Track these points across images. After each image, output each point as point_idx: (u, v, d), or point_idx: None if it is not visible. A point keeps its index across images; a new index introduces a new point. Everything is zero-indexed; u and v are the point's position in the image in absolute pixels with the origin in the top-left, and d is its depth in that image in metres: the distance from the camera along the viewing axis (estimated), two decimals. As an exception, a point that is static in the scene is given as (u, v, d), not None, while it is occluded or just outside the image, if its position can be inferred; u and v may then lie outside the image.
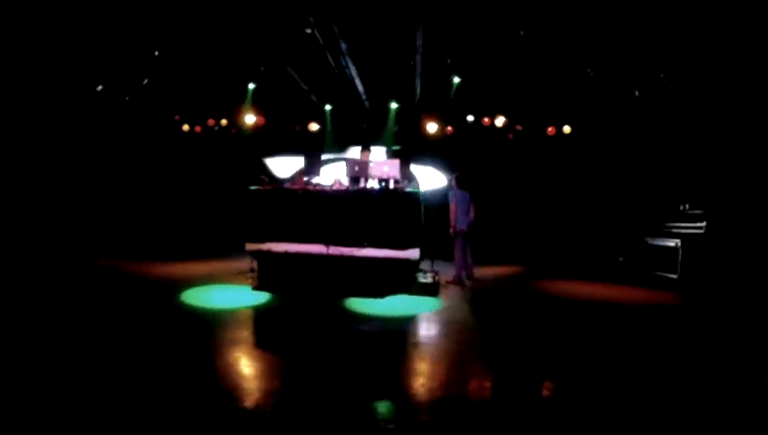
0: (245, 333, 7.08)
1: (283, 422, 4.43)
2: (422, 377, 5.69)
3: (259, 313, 8.02)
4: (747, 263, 10.34)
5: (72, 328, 7.00)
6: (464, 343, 6.72)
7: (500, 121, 14.91)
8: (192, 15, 11.90)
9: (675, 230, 11.78)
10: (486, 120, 15.01)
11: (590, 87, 13.76)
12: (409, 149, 12.87)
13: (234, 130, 16.29)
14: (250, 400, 4.89)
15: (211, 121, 16.22)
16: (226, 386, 5.13)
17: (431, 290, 9.34)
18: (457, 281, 10.51)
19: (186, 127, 16.44)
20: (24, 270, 10.72)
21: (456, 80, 13.69)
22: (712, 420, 4.50)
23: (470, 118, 15.00)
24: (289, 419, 4.50)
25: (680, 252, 11.17)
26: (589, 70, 12.74)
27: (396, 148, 11.11)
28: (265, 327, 7.49)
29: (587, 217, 14.83)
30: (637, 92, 13.39)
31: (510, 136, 15.30)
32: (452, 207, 10.61)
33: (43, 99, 13.32)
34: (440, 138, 15.05)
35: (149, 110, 15.88)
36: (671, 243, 11.51)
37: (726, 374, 5.48)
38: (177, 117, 16.42)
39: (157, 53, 13.15)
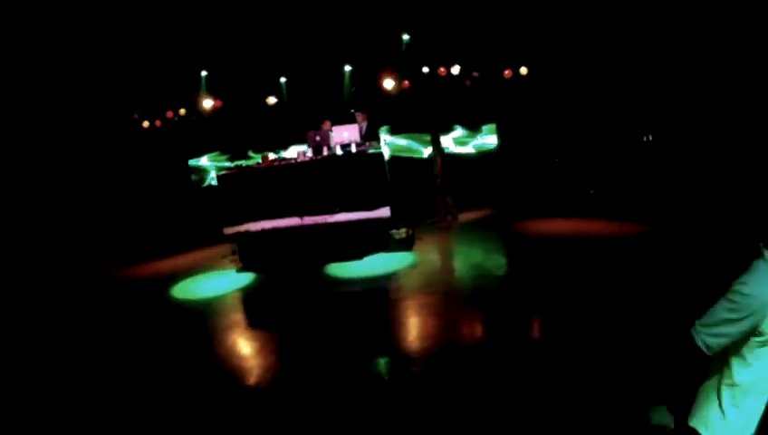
0: (237, 316, 7.37)
1: (284, 393, 4.75)
2: (408, 330, 6.03)
3: (247, 294, 8.30)
4: (705, 189, 10.63)
5: (74, 333, 7.24)
6: (443, 293, 7.04)
7: (456, 70, 15.03)
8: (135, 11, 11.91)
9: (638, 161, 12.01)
10: (442, 69, 15.12)
11: (542, 26, 13.90)
12: (369, 108, 12.98)
13: (193, 118, 16.28)
14: (252, 377, 5.21)
15: (170, 114, 16.19)
16: (228, 368, 5.43)
17: (406, 245, 9.63)
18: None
19: (146, 123, 16.40)
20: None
21: (406, 37, 13.80)
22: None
23: (425, 69, 15.10)
24: (290, 389, 4.81)
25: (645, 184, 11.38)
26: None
27: (353, 111, 11.23)
28: (255, 307, 7.77)
29: (551, 155, 15.08)
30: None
31: (467, 83, 15.42)
32: (438, 160, 11.38)
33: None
34: (398, 93, 15.16)
35: (107, 110, 15.80)
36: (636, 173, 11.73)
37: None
38: (135, 115, 16.36)
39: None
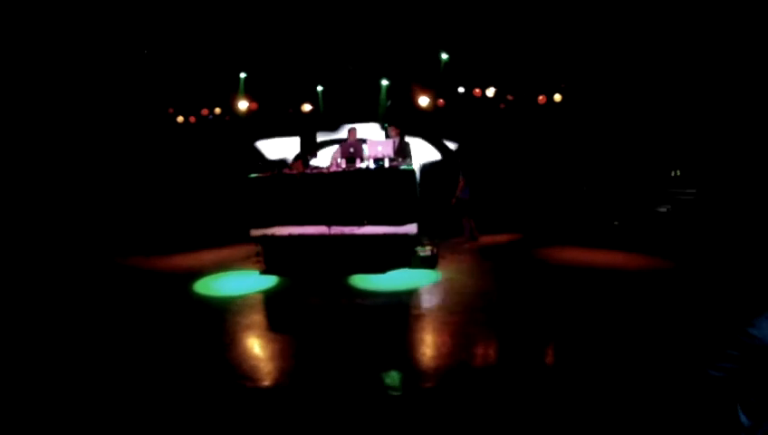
0: (258, 317, 7.44)
1: (300, 397, 4.82)
2: (425, 347, 6.07)
3: (268, 296, 8.38)
4: (735, 227, 10.63)
5: (96, 323, 7.36)
6: (464, 313, 7.07)
7: (491, 92, 15.10)
8: (181, 10, 12.15)
9: (667, 196, 12.01)
10: (477, 90, 15.20)
11: (579, 56, 13.96)
12: (403, 123, 13.08)
13: (227, 118, 16.49)
14: (269, 379, 5.28)
15: (205, 111, 16.41)
16: (245, 368, 5.51)
17: (430, 263, 9.68)
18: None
19: (180, 118, 16.63)
20: (40, 269, 11.05)
21: (445, 56, 13.93)
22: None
23: (461, 89, 15.19)
24: (305, 393, 4.88)
25: (672, 217, 11.41)
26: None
27: (386, 125, 11.35)
28: (276, 309, 7.84)
29: (579, 183, 15.08)
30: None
31: (501, 106, 15.48)
32: (461, 181, 11.82)
33: (38, 98, 13.55)
34: (432, 111, 15.25)
35: (144, 104, 16.07)
36: (663, 208, 11.75)
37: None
38: (170, 109, 16.61)
39: (147, 50, 13.37)
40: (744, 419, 2.34)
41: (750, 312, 2.30)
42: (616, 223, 13.51)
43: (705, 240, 10.96)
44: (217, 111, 16.43)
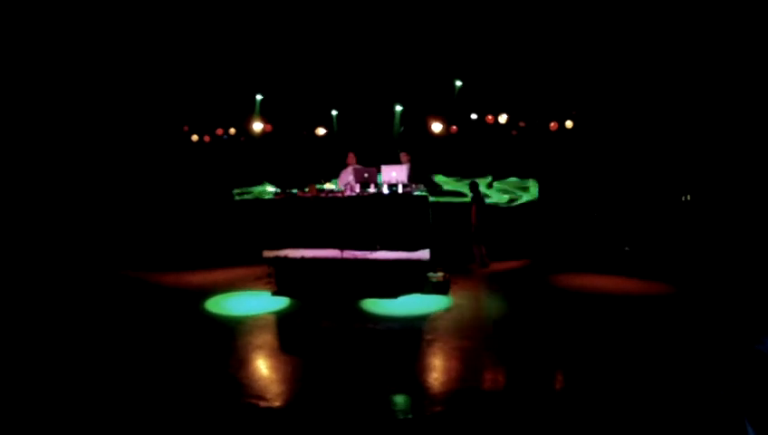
0: (269, 338, 7.49)
1: (311, 418, 4.86)
2: (436, 371, 6.09)
3: (280, 317, 8.43)
4: (742, 253, 10.67)
5: (107, 337, 7.43)
6: (475, 339, 7.10)
7: (503, 119, 15.23)
8: (201, 30, 12.38)
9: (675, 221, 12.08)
10: (490, 117, 15.34)
11: (590, 83, 14.10)
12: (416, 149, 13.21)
13: (242, 139, 16.68)
14: (280, 399, 5.32)
15: (219, 131, 16.62)
16: (257, 388, 5.56)
17: (442, 289, 9.72)
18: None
19: (195, 137, 16.84)
20: (49, 280, 11.15)
21: (459, 83, 14.10)
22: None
23: (474, 116, 15.33)
24: (316, 414, 4.92)
25: (680, 243, 11.47)
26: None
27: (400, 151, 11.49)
28: (287, 331, 7.88)
29: (590, 209, 15.13)
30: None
31: (514, 132, 15.60)
32: (473, 208, 12.06)
33: (54, 109, 13.77)
34: (445, 136, 15.38)
35: (160, 121, 16.29)
36: (671, 233, 11.81)
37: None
38: (186, 127, 16.82)
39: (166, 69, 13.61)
40: (751, 432, 2.39)
41: (758, 330, 2.37)
42: (627, 249, 13.54)
43: (713, 263, 11.00)
44: (232, 131, 16.63)
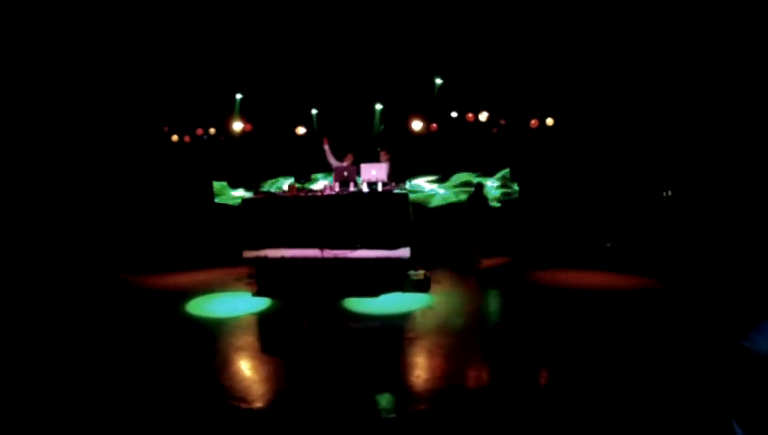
0: (250, 339, 7.45)
1: (294, 419, 4.84)
2: (418, 370, 6.09)
3: (261, 318, 8.40)
4: (725, 248, 10.80)
5: (87, 341, 7.34)
6: (457, 336, 7.12)
7: (483, 116, 15.27)
8: (179, 29, 12.29)
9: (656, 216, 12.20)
10: (470, 115, 15.37)
11: (571, 80, 14.18)
12: (394, 147, 13.19)
13: (222, 138, 16.57)
14: (262, 401, 5.29)
15: (200, 131, 16.50)
16: (238, 391, 5.52)
17: (423, 287, 9.73)
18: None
19: (175, 137, 16.71)
20: (34, 285, 11.01)
21: (439, 81, 14.12)
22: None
23: (454, 114, 15.35)
24: (299, 415, 4.90)
25: (661, 238, 11.58)
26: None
27: (379, 149, 11.47)
28: (268, 332, 7.84)
29: (573, 206, 15.21)
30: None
31: (494, 130, 15.64)
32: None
33: (36, 113, 13.60)
34: (425, 135, 15.39)
35: (138, 121, 16.14)
36: (654, 228, 11.92)
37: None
38: (165, 128, 16.68)
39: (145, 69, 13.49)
40: (738, 430, 2.41)
41: (743, 326, 2.38)
42: (608, 244, 13.64)
43: (695, 258, 11.11)
44: (212, 131, 16.52)
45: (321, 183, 10.80)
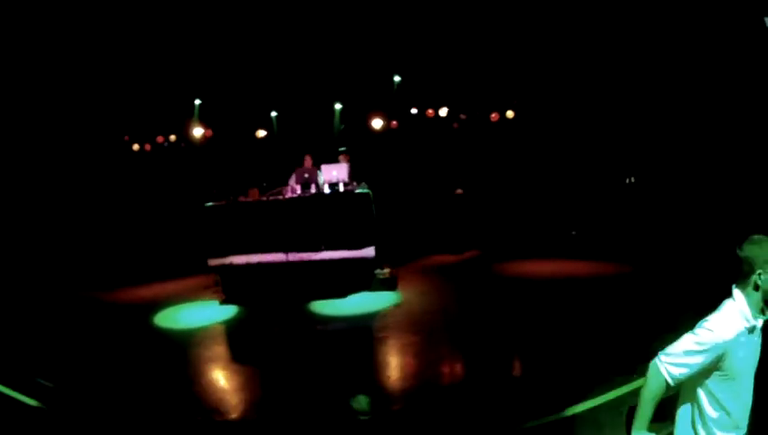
0: (220, 349, 7.44)
1: (268, 428, 4.85)
2: (390, 369, 6.17)
3: (230, 326, 8.37)
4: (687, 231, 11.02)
5: (58, 357, 7.23)
6: (426, 332, 7.19)
7: (444, 112, 15.33)
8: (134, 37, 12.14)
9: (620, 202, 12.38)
10: (430, 111, 15.42)
11: (529, 71, 14.30)
12: (356, 147, 13.18)
13: (183, 145, 16.38)
14: (235, 411, 5.29)
15: (160, 138, 16.29)
16: (210, 402, 5.51)
17: (390, 284, 9.78)
18: None
19: (136, 146, 16.47)
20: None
21: (397, 78, 14.16)
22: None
23: (414, 111, 15.40)
24: (274, 424, 4.91)
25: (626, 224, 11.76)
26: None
27: (342, 149, 11.45)
28: (238, 340, 7.83)
29: (537, 196, 15.27)
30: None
31: (455, 125, 15.71)
32: None
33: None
34: (385, 132, 15.40)
35: (98, 132, 15.86)
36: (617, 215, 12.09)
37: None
38: (126, 137, 16.43)
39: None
40: (707, 411, 2.51)
41: (704, 309, 2.48)
42: (573, 233, 13.80)
43: (661, 242, 11.32)
44: (172, 138, 16.32)
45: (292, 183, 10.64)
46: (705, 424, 2.52)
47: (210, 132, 15.87)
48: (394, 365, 6.30)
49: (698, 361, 2.39)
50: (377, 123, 14.79)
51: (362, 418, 4.97)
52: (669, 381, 2.45)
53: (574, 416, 4.63)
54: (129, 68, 13.84)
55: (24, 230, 14.15)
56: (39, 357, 7.43)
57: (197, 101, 15.45)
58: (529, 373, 5.69)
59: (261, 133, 15.85)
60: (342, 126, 15.32)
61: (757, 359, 2.50)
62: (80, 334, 8.48)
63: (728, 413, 2.48)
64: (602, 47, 13.05)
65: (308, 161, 10.95)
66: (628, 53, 12.85)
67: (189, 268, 12.45)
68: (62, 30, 11.88)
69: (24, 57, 12.29)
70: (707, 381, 2.47)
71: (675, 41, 11.85)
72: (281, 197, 9.83)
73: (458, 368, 6.15)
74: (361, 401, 5.21)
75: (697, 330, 2.43)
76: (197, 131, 15.49)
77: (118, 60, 13.43)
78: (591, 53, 13.35)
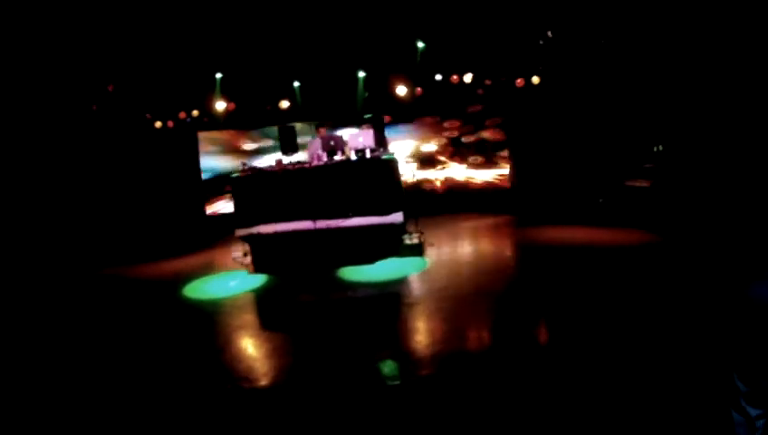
0: (250, 317, 7.42)
1: (298, 394, 4.80)
2: (419, 334, 6.08)
3: (259, 295, 8.34)
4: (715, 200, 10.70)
5: (88, 333, 7.28)
6: (454, 298, 7.08)
7: (468, 78, 15.09)
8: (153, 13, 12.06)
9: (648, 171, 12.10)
10: (455, 77, 15.18)
11: (555, 38, 13.99)
12: (381, 115, 13.03)
13: (206, 120, 16.34)
14: (266, 378, 5.26)
15: (182, 114, 16.26)
16: (242, 369, 5.48)
17: (418, 250, 9.69)
18: None
19: (158, 124, 16.47)
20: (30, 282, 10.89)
21: (421, 45, 13.93)
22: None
23: (438, 77, 15.17)
24: (303, 390, 4.86)
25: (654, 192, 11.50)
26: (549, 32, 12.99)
27: (368, 116, 11.31)
28: (267, 308, 7.81)
29: (565, 164, 15.00)
30: (603, 41, 13.57)
31: (480, 91, 15.46)
32: None
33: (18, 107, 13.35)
34: (410, 100, 15.22)
35: (120, 111, 15.88)
36: (646, 183, 11.83)
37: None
38: (148, 115, 16.43)
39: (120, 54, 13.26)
40: (740, 385, 2.35)
41: (746, 276, 2.31)
42: (601, 200, 13.57)
43: (693, 212, 11.03)
44: (195, 113, 16.29)
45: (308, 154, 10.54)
46: None
47: (233, 106, 15.81)
48: (423, 331, 6.21)
49: None
50: (401, 90, 14.59)
51: (391, 383, 4.90)
52: None
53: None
54: (148, 45, 13.79)
55: (41, 213, 14.24)
56: (70, 334, 7.49)
57: (219, 75, 15.36)
58: (558, 342, 5.55)
59: (284, 104, 15.74)
60: (366, 94, 15.14)
61: None
62: (109, 310, 8.52)
63: None
64: (630, 12, 12.68)
65: (322, 132, 10.86)
66: (654, 19, 12.48)
67: (217, 240, 12.48)
68: (80, 7, 11.83)
69: (43, 35, 12.28)
70: None
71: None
72: (307, 165, 9.74)
73: (487, 334, 6.04)
74: (391, 367, 5.16)
75: None
76: (220, 105, 15.44)
77: (136, 37, 13.37)
78: (618, 17, 12.98)
